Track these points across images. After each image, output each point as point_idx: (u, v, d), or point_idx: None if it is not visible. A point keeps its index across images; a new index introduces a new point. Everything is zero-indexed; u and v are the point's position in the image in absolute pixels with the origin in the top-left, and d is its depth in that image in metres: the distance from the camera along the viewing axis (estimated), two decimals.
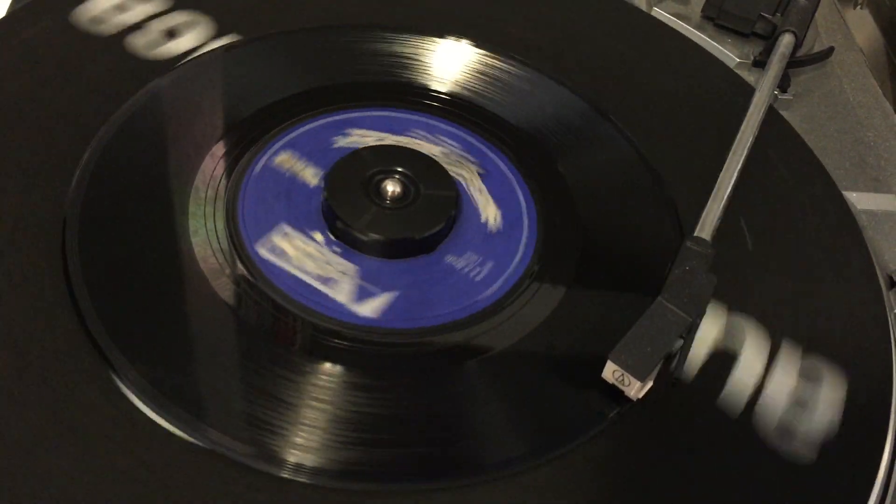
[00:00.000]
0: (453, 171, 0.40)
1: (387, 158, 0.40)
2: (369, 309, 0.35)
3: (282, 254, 0.36)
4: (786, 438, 0.33)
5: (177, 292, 0.34)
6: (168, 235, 0.36)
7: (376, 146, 0.41)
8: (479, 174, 0.40)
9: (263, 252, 0.36)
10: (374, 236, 0.37)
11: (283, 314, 0.34)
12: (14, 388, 0.30)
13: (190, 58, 0.43)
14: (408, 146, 0.41)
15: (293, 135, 0.41)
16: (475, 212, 0.40)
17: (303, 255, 0.36)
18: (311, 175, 0.40)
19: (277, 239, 0.37)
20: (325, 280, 0.36)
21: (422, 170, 0.40)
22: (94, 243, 0.35)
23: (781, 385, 0.34)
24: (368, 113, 0.43)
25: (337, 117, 0.42)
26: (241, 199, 0.38)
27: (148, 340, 0.33)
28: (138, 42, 0.44)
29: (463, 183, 0.40)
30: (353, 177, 0.38)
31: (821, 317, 0.37)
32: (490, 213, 0.40)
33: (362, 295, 0.35)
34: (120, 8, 0.45)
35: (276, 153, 0.40)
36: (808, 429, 0.33)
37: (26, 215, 0.35)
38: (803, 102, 0.51)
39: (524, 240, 0.39)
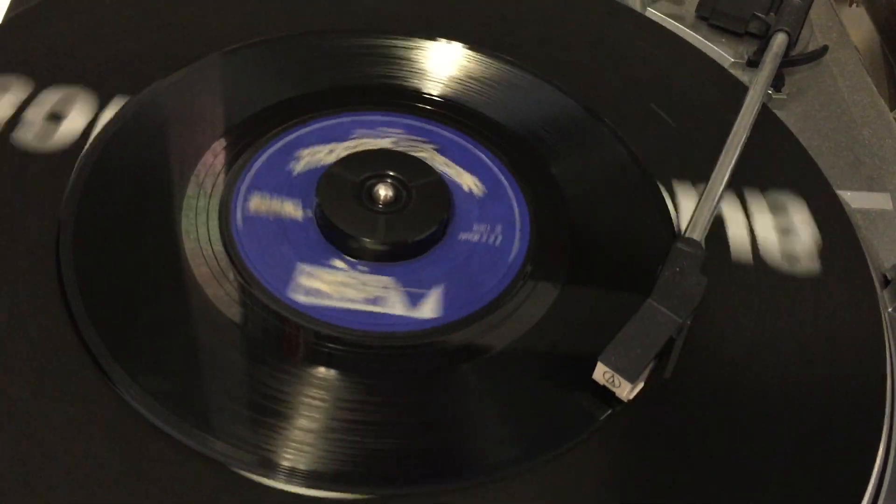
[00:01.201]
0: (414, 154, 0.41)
1: (369, 166, 0.40)
2: (429, 310, 0.35)
3: (318, 293, 0.36)
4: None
5: (170, 298, 0.35)
6: (163, 242, 0.36)
7: (351, 155, 0.41)
8: (436, 150, 0.41)
9: (300, 298, 0.35)
10: (385, 242, 0.37)
11: (282, 321, 0.34)
12: (13, 402, 0.30)
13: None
14: (384, 148, 0.41)
15: (271, 150, 0.41)
16: (457, 186, 0.40)
17: (340, 287, 0.36)
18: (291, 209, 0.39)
19: (304, 280, 0.36)
20: (373, 301, 0.36)
21: (405, 168, 0.40)
22: (90, 251, 0.35)
23: None
24: (365, 117, 0.43)
25: (332, 121, 0.43)
26: (234, 208, 0.38)
27: (144, 349, 0.33)
28: (25, 136, 0.39)
29: (429, 163, 0.41)
30: (343, 191, 0.38)
31: (815, 315, 0.37)
32: (467, 181, 0.40)
33: (414, 300, 0.36)
34: None
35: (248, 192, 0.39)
36: None
37: (20, 224, 0.36)
38: (798, 101, 0.51)
39: (517, 241, 0.39)
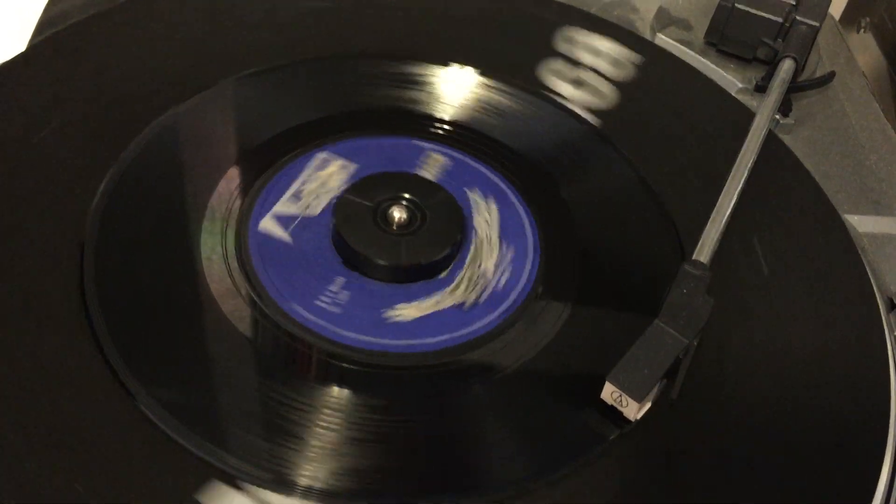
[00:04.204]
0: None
1: (384, 188, 0.41)
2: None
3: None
4: None
5: (190, 317, 0.36)
6: (183, 261, 0.37)
7: (366, 178, 0.42)
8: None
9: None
10: (386, 263, 0.38)
11: (293, 339, 0.35)
12: (32, 415, 0.31)
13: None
14: (409, 172, 0.42)
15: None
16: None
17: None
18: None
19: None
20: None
21: (425, 193, 0.41)
22: (111, 270, 0.36)
23: None
24: (376, 141, 0.44)
25: (342, 147, 0.44)
26: (252, 226, 0.39)
27: (164, 365, 0.34)
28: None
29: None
30: (361, 208, 0.39)
31: (821, 339, 0.38)
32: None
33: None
34: None
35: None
36: None
37: (45, 243, 0.37)
38: (806, 127, 0.52)
39: (527, 264, 0.40)
